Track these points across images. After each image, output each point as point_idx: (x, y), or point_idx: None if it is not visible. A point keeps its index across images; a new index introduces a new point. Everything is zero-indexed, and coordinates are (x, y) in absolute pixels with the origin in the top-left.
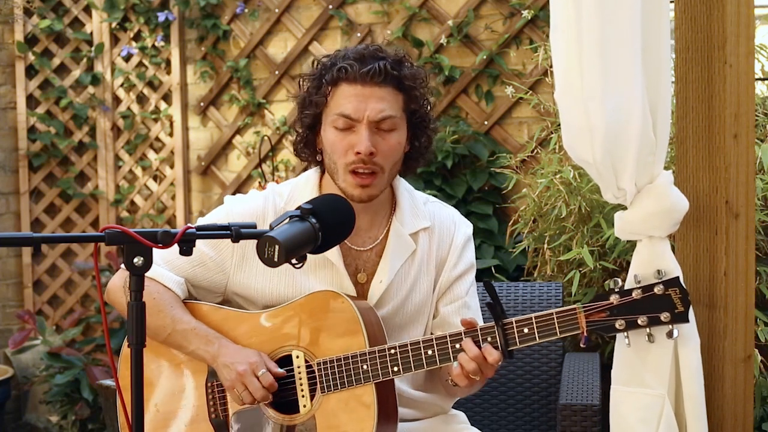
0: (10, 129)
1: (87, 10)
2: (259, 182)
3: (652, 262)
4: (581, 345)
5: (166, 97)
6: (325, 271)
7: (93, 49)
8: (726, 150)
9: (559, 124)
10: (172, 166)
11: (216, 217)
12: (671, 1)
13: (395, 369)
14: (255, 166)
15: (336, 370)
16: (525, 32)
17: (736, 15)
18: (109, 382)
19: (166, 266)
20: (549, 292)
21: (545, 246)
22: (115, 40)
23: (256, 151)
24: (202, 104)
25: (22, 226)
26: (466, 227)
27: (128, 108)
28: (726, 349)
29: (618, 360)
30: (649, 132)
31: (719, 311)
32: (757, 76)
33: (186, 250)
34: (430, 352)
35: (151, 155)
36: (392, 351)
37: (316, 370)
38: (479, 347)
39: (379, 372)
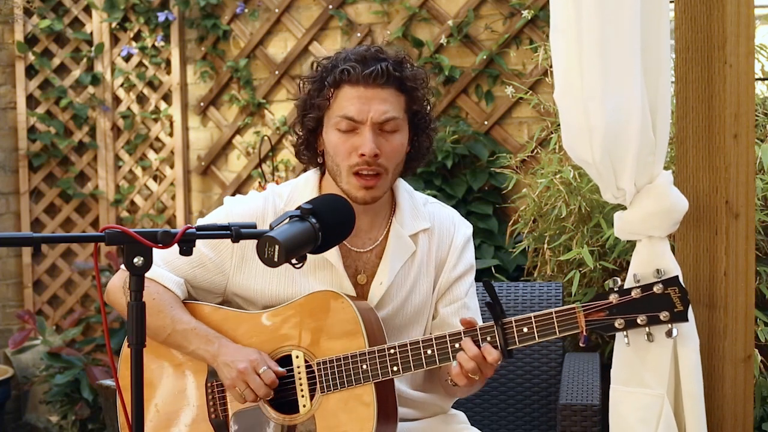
0: (10, 129)
1: (87, 10)
2: (259, 182)
3: (652, 261)
4: (580, 344)
5: (166, 97)
6: (324, 273)
7: (93, 49)
8: (726, 150)
9: (559, 124)
10: (172, 166)
11: (216, 218)
12: (671, 1)
13: (395, 369)
14: (255, 166)
15: (336, 370)
16: (525, 32)
17: (736, 15)
18: (109, 382)
19: (166, 267)
20: (549, 292)
21: (545, 246)
22: (115, 40)
23: (256, 151)
24: (202, 104)
25: (22, 226)
26: (465, 228)
27: (128, 108)
28: (726, 349)
29: (617, 360)
30: (648, 132)
31: (719, 311)
32: (757, 76)
33: (186, 250)
34: (429, 351)
35: (151, 155)
36: (392, 351)
37: (316, 370)
38: (478, 347)
39: (379, 372)
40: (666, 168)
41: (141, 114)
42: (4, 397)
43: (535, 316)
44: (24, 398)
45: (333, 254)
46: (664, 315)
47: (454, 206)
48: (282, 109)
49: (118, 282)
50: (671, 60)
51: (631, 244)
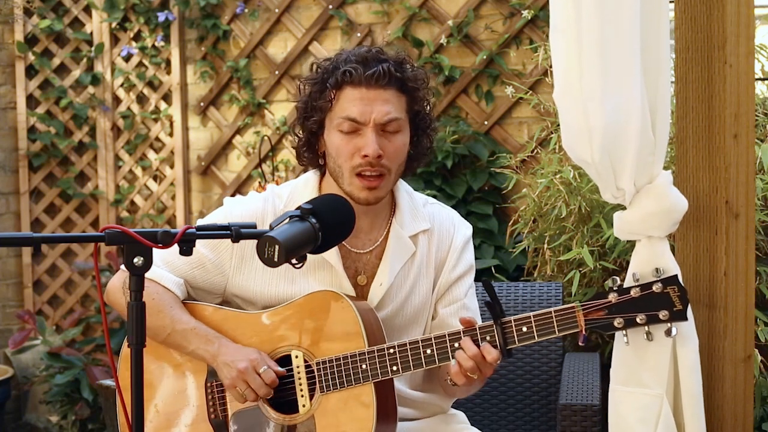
0: (10, 129)
1: (87, 10)
2: (259, 182)
3: (651, 261)
4: (580, 343)
5: (166, 97)
6: (324, 274)
7: (93, 49)
8: (726, 150)
9: (559, 124)
10: (172, 166)
11: (215, 218)
12: (671, 1)
13: (394, 368)
14: (255, 166)
15: (335, 369)
16: (525, 32)
17: (736, 15)
18: (109, 382)
19: (166, 267)
20: (549, 292)
21: (545, 246)
22: (115, 40)
23: (256, 151)
24: (202, 104)
25: (22, 226)
26: (465, 229)
27: (128, 108)
28: (726, 349)
29: (616, 360)
30: (648, 132)
31: (719, 311)
32: (757, 76)
33: (186, 250)
34: (429, 351)
35: (151, 155)
36: (391, 351)
37: (315, 370)
38: (478, 346)
39: (378, 372)
40: (666, 168)
41: (141, 114)
42: (4, 397)
43: (534, 316)
44: (24, 398)
45: (333, 255)
46: (663, 314)
47: (454, 206)
48: (282, 109)
49: (118, 282)
50: (671, 60)
51: (631, 244)
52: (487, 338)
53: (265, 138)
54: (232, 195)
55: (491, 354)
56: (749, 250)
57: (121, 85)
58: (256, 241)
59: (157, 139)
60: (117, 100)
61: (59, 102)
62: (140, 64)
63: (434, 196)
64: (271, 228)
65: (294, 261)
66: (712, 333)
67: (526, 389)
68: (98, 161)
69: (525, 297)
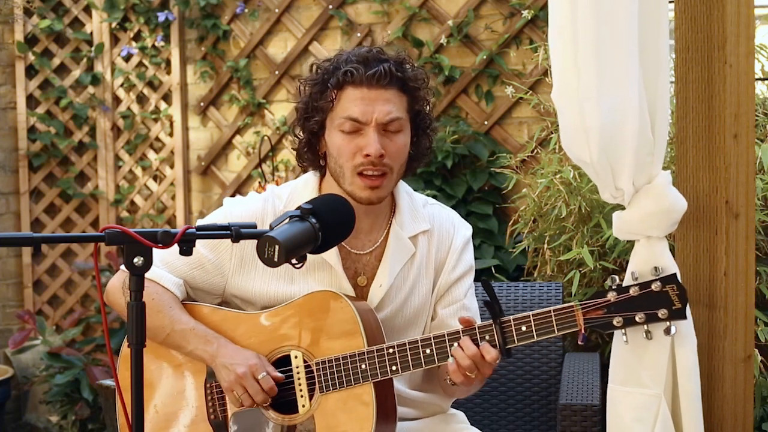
0: (10, 129)
1: (87, 10)
2: (259, 182)
3: (650, 261)
4: (579, 342)
5: (166, 97)
6: (323, 274)
7: (93, 49)
8: (726, 150)
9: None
10: (172, 166)
11: (215, 219)
12: (671, 1)
13: (394, 368)
14: (255, 166)
15: (334, 369)
16: (525, 32)
17: (736, 15)
18: (109, 382)
19: (165, 268)
20: (549, 292)
21: (545, 246)
22: (115, 40)
23: (256, 151)
24: (202, 104)
25: (22, 226)
26: (465, 230)
27: (128, 108)
28: (726, 349)
29: (615, 359)
30: (647, 132)
31: (719, 311)
32: (757, 76)
33: (186, 250)
34: (428, 351)
35: (151, 155)
36: (390, 350)
37: (315, 370)
38: (477, 346)
39: (378, 371)
40: (666, 168)
41: (141, 114)
42: (4, 397)
43: (533, 315)
44: (24, 398)
45: (332, 256)
46: (662, 312)
47: (454, 206)
48: (282, 109)
49: (118, 282)
50: (671, 60)
51: (631, 244)
52: (486, 338)
53: (265, 138)
54: (232, 195)
55: (490, 353)
56: (749, 250)
57: (121, 85)
58: (255, 242)
59: (157, 139)
60: (117, 100)
61: (59, 102)
62: (140, 64)
63: (434, 196)
64: (271, 228)
65: (294, 261)
66: (712, 333)
67: (526, 389)
68: (98, 161)
69: (525, 297)
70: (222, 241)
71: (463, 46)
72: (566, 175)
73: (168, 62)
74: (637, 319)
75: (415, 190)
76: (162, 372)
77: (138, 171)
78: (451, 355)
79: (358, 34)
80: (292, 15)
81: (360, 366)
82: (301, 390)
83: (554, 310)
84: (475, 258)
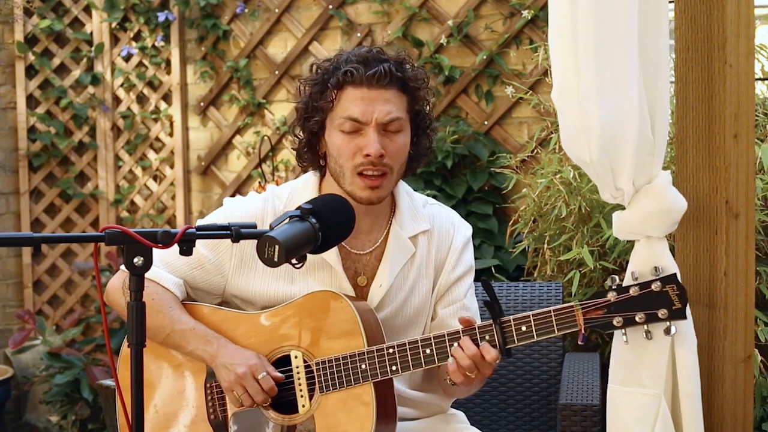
0: (10, 129)
1: (87, 10)
2: (259, 182)
3: (650, 261)
4: (579, 342)
5: (166, 97)
6: (323, 274)
7: (93, 49)
8: (726, 150)
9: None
10: (172, 166)
11: (215, 219)
12: (671, 1)
13: (393, 368)
14: (255, 166)
15: (334, 369)
16: (525, 32)
17: (736, 15)
18: (109, 382)
19: (165, 268)
20: (549, 292)
21: (545, 246)
22: (115, 40)
23: (256, 151)
24: (202, 104)
25: (22, 226)
26: (465, 230)
27: (128, 108)
28: (726, 349)
29: (615, 359)
30: (647, 132)
31: (719, 311)
32: (757, 76)
33: (186, 250)
34: (428, 351)
35: (151, 155)
36: (390, 350)
37: (315, 370)
38: (477, 346)
39: (378, 371)
40: (666, 168)
41: (141, 114)
42: (4, 397)
43: (533, 315)
44: (24, 398)
45: (332, 256)
46: (662, 312)
47: (454, 206)
48: (282, 109)
49: (118, 282)
50: (671, 60)
51: (631, 244)
52: (486, 338)
53: (265, 138)
54: (232, 195)
55: (490, 354)
56: (749, 250)
57: (121, 85)
58: (255, 242)
59: (157, 139)
60: (117, 100)
61: (59, 102)
62: (140, 64)
63: (434, 196)
64: (271, 228)
65: (294, 261)
66: (712, 333)
67: (526, 389)
68: (98, 161)
69: (525, 297)
70: (222, 241)
71: (463, 46)
72: (566, 175)
73: (168, 62)
74: (637, 319)
75: (415, 190)
76: (162, 372)
77: (138, 171)
78: (451, 355)
79: (358, 34)
80: (292, 15)
81: (360, 366)
82: (301, 390)
83: (554, 310)
84: (475, 258)
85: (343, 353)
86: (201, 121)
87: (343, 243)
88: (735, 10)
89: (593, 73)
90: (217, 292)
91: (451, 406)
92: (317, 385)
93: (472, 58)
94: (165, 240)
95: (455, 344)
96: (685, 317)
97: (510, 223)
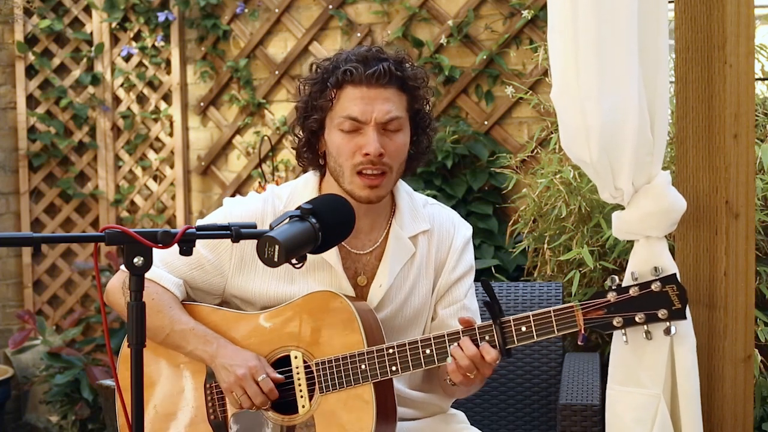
0: (10, 129)
1: (87, 10)
2: (259, 182)
3: (650, 261)
4: (579, 343)
5: (166, 97)
6: (323, 274)
7: (93, 49)
8: (726, 150)
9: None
10: (172, 166)
11: (215, 219)
12: (671, 1)
13: (393, 369)
14: (255, 166)
15: (334, 370)
16: (525, 32)
17: (736, 15)
18: (109, 382)
19: (165, 268)
20: (549, 292)
21: (545, 246)
22: (115, 40)
23: (256, 151)
24: (202, 104)
25: (22, 226)
26: (465, 230)
27: (128, 108)
28: (726, 349)
29: (614, 359)
30: (646, 132)
31: (719, 311)
32: (757, 76)
33: (186, 250)
34: (428, 351)
35: (151, 155)
36: (390, 351)
37: (315, 371)
38: (477, 346)
39: (378, 372)
40: (666, 168)
41: (141, 114)
42: (4, 397)
43: (533, 315)
44: (24, 398)
45: (332, 256)
46: (662, 313)
47: (454, 206)
48: (282, 109)
49: (118, 282)
50: (671, 60)
51: (631, 244)
52: (486, 338)
53: (265, 138)
54: (232, 195)
55: (490, 354)
56: (749, 250)
57: (121, 85)
58: (255, 242)
59: (157, 139)
60: (117, 100)
61: (59, 102)
62: (140, 64)
63: (434, 196)
64: (271, 228)
65: (294, 261)
66: (712, 333)
67: (526, 389)
68: (98, 161)
69: (525, 297)
70: (222, 242)
71: (463, 46)
72: (566, 175)
73: (168, 62)
74: (637, 319)
75: (415, 190)
76: (162, 372)
77: (138, 171)
78: (451, 355)
79: (358, 34)
80: (292, 15)
81: (360, 366)
82: (300, 390)
83: (554, 311)
84: (475, 258)
85: (343, 353)
86: (201, 121)
87: (343, 243)
88: (735, 10)
89: (593, 72)
90: (216, 293)
91: (451, 406)
92: (317, 386)
93: (472, 58)
94: (165, 240)
95: (455, 344)
96: (684, 317)
97: (510, 223)
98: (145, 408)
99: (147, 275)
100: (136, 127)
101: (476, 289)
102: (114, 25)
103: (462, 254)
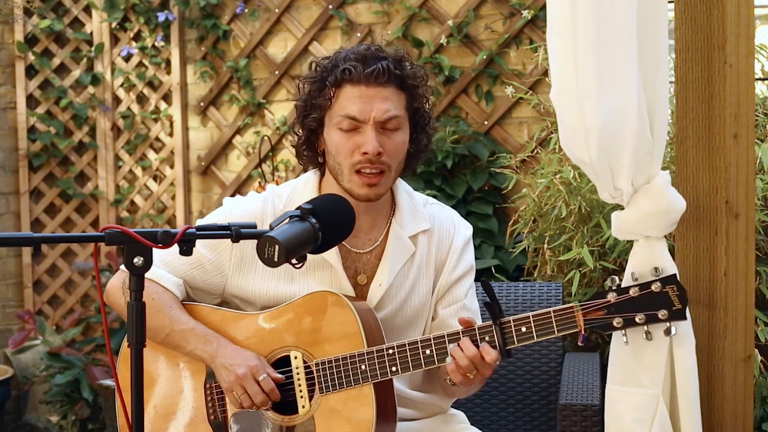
0: (10, 129)
1: (87, 10)
2: (259, 182)
3: (649, 261)
4: (579, 343)
5: (166, 97)
6: (323, 273)
7: (93, 49)
8: (726, 150)
9: None
10: (172, 166)
11: (214, 219)
12: (671, 1)
13: (393, 369)
14: (255, 166)
15: (334, 370)
16: (525, 32)
17: (736, 15)
18: (109, 382)
19: (165, 268)
20: (549, 292)
21: (545, 246)
22: (115, 40)
23: (256, 151)
24: (202, 104)
25: (22, 226)
26: (465, 229)
27: (128, 108)
28: (726, 349)
29: (613, 360)
30: (645, 132)
31: (719, 311)
32: (757, 76)
33: (186, 250)
34: (428, 352)
35: (151, 155)
36: (390, 351)
37: (315, 371)
38: (477, 347)
39: (378, 372)
40: (665, 168)
41: (141, 114)
42: (4, 397)
43: (533, 316)
44: (24, 398)
45: (332, 255)
46: (662, 313)
47: (454, 206)
48: (282, 109)
49: (118, 282)
50: (671, 60)
51: (631, 244)
52: (486, 339)
53: (265, 138)
54: (232, 195)
55: (490, 355)
56: (749, 250)
57: (121, 85)
58: (255, 242)
59: (157, 139)
60: (117, 100)
61: (59, 102)
62: (140, 64)
63: (434, 196)
64: (271, 228)
65: (294, 261)
66: (712, 333)
67: (526, 389)
68: (98, 161)
69: (525, 297)
70: (222, 241)
71: (463, 46)
72: (566, 175)
73: (168, 62)
74: (637, 320)
75: (415, 190)
76: (161, 372)
77: (138, 171)
78: (450, 355)
79: (358, 34)
80: (292, 15)
81: (360, 367)
82: (300, 391)
83: (554, 311)
84: (475, 258)
85: (343, 354)
86: (201, 121)
87: (343, 242)
88: (735, 10)
89: (593, 72)
90: (216, 292)
91: (451, 406)
92: (317, 386)
93: (472, 58)
94: (165, 240)
95: (455, 344)
96: (685, 318)
97: (510, 223)
98: (145, 408)
99: (147, 275)
100: (136, 127)
101: (476, 289)
102: (114, 25)
103: (462, 254)
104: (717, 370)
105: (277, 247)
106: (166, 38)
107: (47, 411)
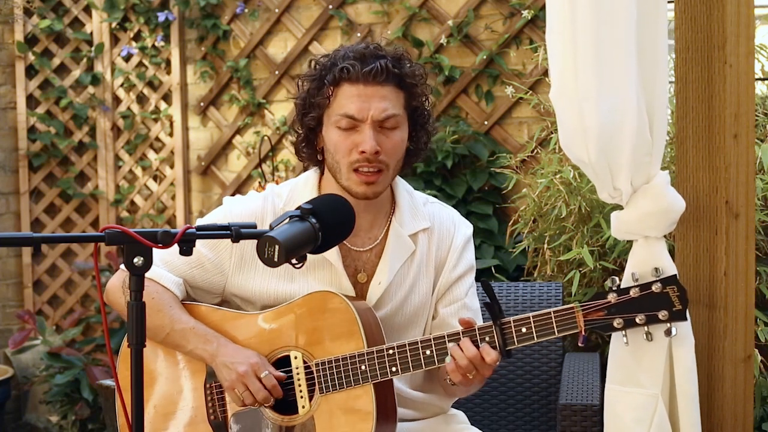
0: (10, 129)
1: (87, 10)
2: (259, 182)
3: (649, 261)
4: (579, 344)
5: (166, 97)
6: (324, 272)
7: (93, 49)
8: (726, 150)
9: None
10: (172, 166)
11: (215, 218)
12: (670, 1)
13: (393, 369)
14: (255, 166)
15: (334, 370)
16: (525, 32)
17: (736, 15)
18: (109, 382)
19: (165, 267)
20: (549, 292)
21: (545, 246)
22: (115, 40)
23: (256, 151)
24: (202, 104)
25: (22, 226)
26: (465, 228)
27: (128, 108)
28: (726, 349)
29: (613, 360)
30: (645, 132)
31: (719, 311)
32: (757, 76)
33: (186, 250)
34: (428, 352)
35: (151, 155)
36: (390, 351)
37: (315, 371)
38: (477, 347)
39: (378, 372)
40: (665, 168)
41: (141, 114)
42: (4, 397)
43: (533, 316)
44: (24, 398)
45: (332, 253)
46: (663, 314)
47: (454, 206)
48: (282, 109)
49: (118, 282)
50: (670, 60)
51: (631, 244)
52: (486, 339)
53: (265, 138)
54: (232, 195)
55: (490, 355)
56: (749, 250)
57: (121, 85)
58: (255, 241)
59: (157, 139)
60: (117, 100)
61: (59, 102)
62: (140, 64)
63: (434, 196)
64: (271, 228)
65: (294, 261)
66: (712, 333)
67: (526, 389)
68: (98, 161)
69: (525, 297)
70: (222, 241)
71: (463, 46)
72: (566, 175)
73: (168, 62)
74: (637, 320)
75: (415, 190)
76: (162, 372)
77: (138, 171)
78: (450, 354)
79: (358, 34)
80: (292, 15)
81: (360, 367)
82: (300, 391)
83: (554, 312)
84: (476, 258)
85: (343, 354)
86: (201, 121)
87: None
88: (735, 10)
89: (592, 72)
90: (216, 292)
91: (452, 406)
92: (317, 386)
93: (472, 58)
94: (165, 240)
95: (455, 344)
96: (685, 318)
97: (510, 223)
98: (145, 408)
99: (147, 274)
100: (136, 127)
101: (476, 289)
102: (114, 25)
103: (462, 253)
104: (717, 370)
105: (277, 247)
106: (166, 38)
107: (47, 411)
